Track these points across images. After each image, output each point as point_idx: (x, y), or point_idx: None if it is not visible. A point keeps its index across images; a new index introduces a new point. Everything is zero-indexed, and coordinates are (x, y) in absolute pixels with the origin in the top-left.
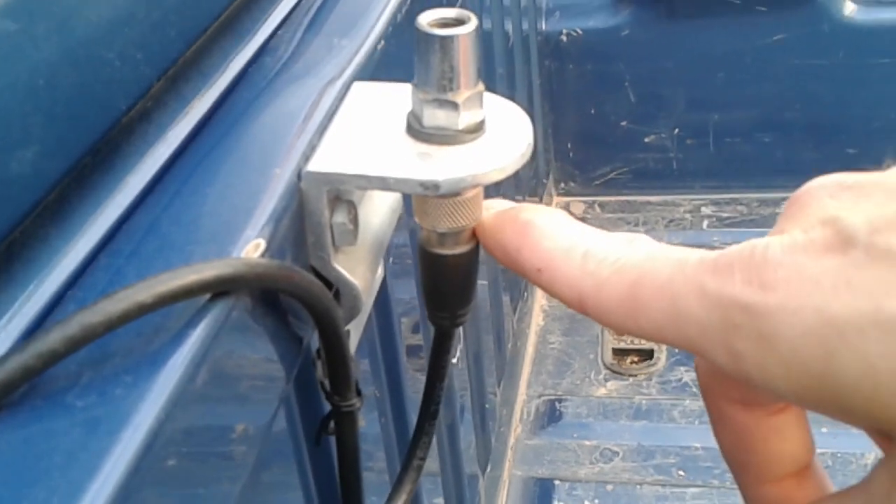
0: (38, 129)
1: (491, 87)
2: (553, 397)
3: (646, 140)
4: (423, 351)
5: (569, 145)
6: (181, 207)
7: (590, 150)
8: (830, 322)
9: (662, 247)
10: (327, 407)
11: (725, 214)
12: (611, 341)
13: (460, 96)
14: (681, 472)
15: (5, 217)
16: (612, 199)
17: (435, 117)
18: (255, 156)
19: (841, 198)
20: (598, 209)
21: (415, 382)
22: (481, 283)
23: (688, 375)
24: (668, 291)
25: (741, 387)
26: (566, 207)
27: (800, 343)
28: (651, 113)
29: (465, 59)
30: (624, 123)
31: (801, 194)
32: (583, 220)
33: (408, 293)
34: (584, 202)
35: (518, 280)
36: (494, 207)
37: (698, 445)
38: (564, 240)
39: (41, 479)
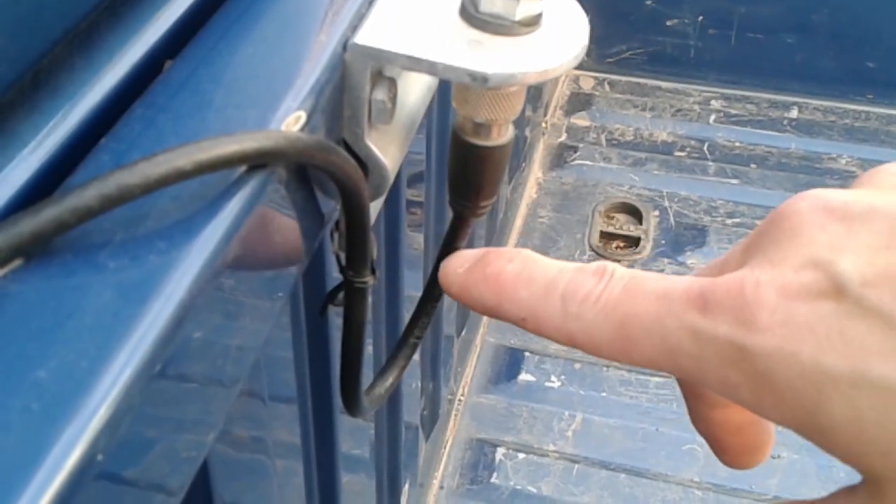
0: None
1: None
2: None
3: (668, 23)
4: (419, 207)
5: (589, 17)
6: (220, 64)
7: (610, 26)
8: (825, 371)
9: (637, 277)
10: (332, 281)
11: (734, 111)
12: (600, 223)
13: None
14: None
15: (35, 44)
16: (623, 78)
17: (492, 4)
18: (300, 16)
19: (831, 232)
20: (607, 87)
21: (408, 239)
22: None
23: (670, 268)
24: (658, 331)
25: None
26: (576, 81)
27: (796, 382)
28: None
29: None
30: (649, 2)
31: (789, 216)
32: (591, 96)
33: (414, 147)
34: (595, 78)
35: (518, 149)
36: (456, 261)
37: None
38: (538, 285)
39: (70, 339)
